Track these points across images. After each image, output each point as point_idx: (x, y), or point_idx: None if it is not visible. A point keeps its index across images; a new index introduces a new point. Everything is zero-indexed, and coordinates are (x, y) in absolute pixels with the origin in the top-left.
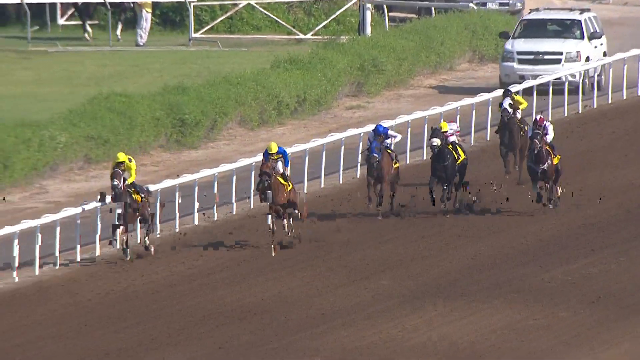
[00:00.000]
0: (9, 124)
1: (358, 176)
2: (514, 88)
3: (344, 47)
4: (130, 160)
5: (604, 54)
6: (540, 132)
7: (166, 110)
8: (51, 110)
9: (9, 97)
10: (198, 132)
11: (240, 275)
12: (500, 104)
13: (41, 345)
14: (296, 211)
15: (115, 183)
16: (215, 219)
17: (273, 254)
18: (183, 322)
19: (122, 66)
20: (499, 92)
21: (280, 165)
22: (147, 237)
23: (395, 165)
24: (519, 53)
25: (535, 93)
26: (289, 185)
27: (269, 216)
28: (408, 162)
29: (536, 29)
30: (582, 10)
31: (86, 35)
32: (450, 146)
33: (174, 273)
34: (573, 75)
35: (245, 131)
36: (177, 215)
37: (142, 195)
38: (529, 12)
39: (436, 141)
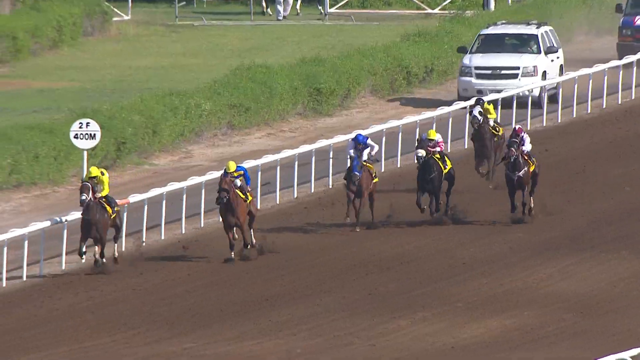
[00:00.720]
0: (159, 93)
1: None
2: (486, 98)
3: (469, 21)
4: (102, 174)
5: (561, 68)
6: (517, 141)
7: (303, 80)
8: (197, 81)
9: (159, 68)
10: (333, 101)
11: (384, 230)
12: (471, 112)
13: (207, 291)
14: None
15: (84, 197)
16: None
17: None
18: (334, 271)
19: (263, 39)
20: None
21: (237, 181)
22: (116, 247)
23: (375, 181)
24: (476, 68)
25: (500, 106)
26: (249, 198)
27: (228, 231)
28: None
29: (494, 43)
30: (539, 24)
31: (268, 10)
32: (438, 156)
33: (325, 229)
34: (530, 90)
35: (377, 99)
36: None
37: (112, 207)
38: (487, 26)
39: (421, 152)
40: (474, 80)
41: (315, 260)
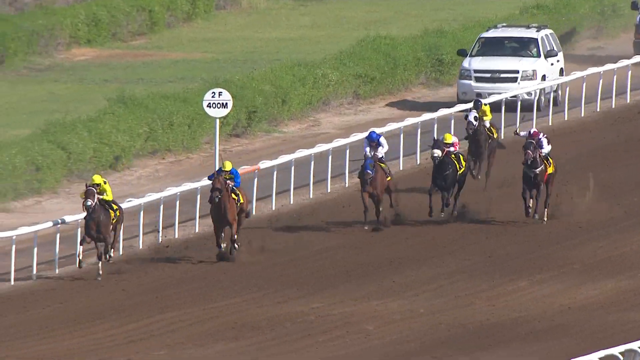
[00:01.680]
0: (288, 64)
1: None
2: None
3: None
4: (105, 183)
5: (561, 71)
6: (533, 142)
7: (426, 52)
8: (324, 52)
9: (288, 40)
10: (454, 71)
11: (503, 196)
12: (466, 117)
13: (334, 253)
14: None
15: (89, 203)
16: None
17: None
18: (455, 235)
19: (387, 12)
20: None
21: (229, 182)
22: (111, 250)
23: (388, 179)
24: (475, 71)
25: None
26: (241, 200)
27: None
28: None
29: (494, 46)
30: (539, 28)
31: None
32: (453, 156)
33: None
34: (529, 93)
35: None
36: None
37: (115, 211)
38: (487, 30)
39: (437, 152)
40: (473, 83)
41: (438, 224)
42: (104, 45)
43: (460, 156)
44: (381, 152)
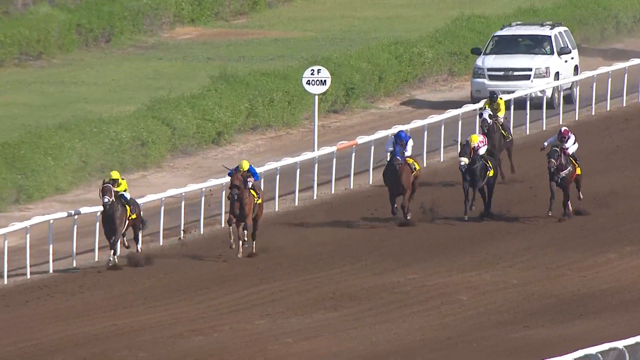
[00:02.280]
0: (385, 42)
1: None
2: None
3: None
4: (122, 179)
5: (575, 68)
6: (557, 150)
7: None
8: (419, 30)
9: (385, 18)
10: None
11: (595, 171)
12: (481, 114)
13: (430, 226)
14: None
15: (106, 200)
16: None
17: (239, 255)
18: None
19: None
20: None
21: (248, 180)
22: (139, 244)
23: (417, 170)
24: (489, 69)
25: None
26: (258, 199)
27: (232, 226)
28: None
29: (507, 44)
30: (553, 25)
31: None
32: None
33: (538, 170)
34: (542, 91)
35: (588, 48)
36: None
37: (131, 207)
38: (502, 28)
39: (464, 160)
40: (486, 81)
41: (530, 199)
42: (207, 24)
43: (489, 161)
44: (408, 150)
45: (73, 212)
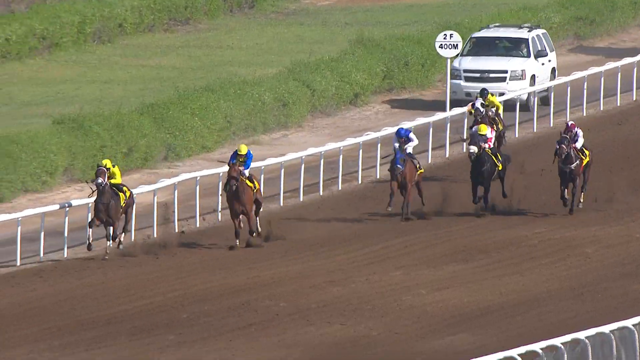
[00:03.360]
0: (514, 7)
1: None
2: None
3: None
4: (113, 166)
5: (553, 71)
6: (567, 137)
7: None
8: None
9: None
10: None
11: None
12: (473, 104)
13: (558, 184)
14: (257, 219)
15: (100, 181)
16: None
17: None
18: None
19: None
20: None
21: (247, 172)
22: (122, 235)
23: (419, 172)
24: (465, 71)
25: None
26: (256, 187)
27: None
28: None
29: (485, 46)
30: (531, 28)
31: None
32: (489, 151)
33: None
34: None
35: None
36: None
37: (126, 194)
38: (480, 29)
39: (473, 148)
40: (462, 83)
41: None
42: None
43: (497, 154)
44: (410, 146)
45: (219, 170)
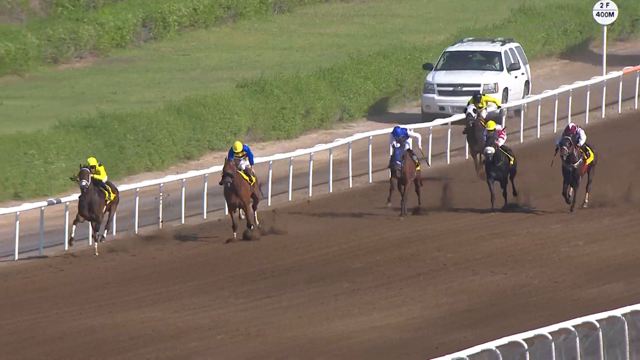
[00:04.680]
0: None
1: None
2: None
3: None
4: (99, 164)
5: (526, 84)
6: (569, 138)
7: None
8: None
9: None
10: None
11: None
12: (465, 109)
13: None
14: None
15: (84, 183)
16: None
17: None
18: None
19: None
20: None
21: (242, 162)
22: (105, 231)
23: (417, 168)
24: (439, 85)
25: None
26: (252, 181)
27: (232, 212)
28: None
29: (458, 60)
30: (504, 42)
31: None
32: (502, 149)
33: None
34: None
35: None
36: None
37: (109, 192)
38: (453, 44)
39: (491, 150)
40: (436, 97)
41: None
42: None
43: (509, 151)
44: (409, 144)
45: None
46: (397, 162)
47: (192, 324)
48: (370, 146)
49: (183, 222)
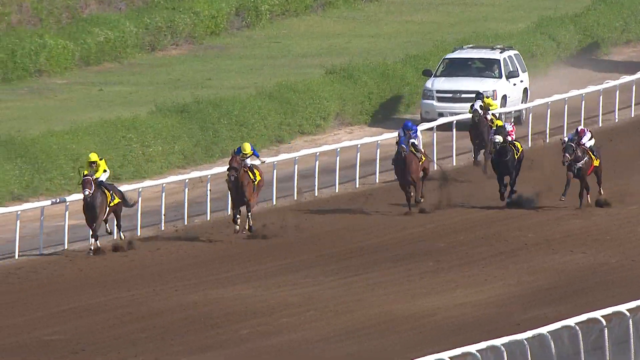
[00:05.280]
0: None
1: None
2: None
3: None
4: (100, 159)
5: (525, 91)
6: (572, 146)
7: None
8: None
9: None
10: None
11: None
12: (472, 106)
13: None
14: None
15: (87, 193)
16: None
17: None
18: None
19: None
20: None
21: (247, 160)
22: (120, 232)
23: (421, 162)
24: (438, 91)
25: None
26: (257, 178)
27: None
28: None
29: (458, 67)
30: (503, 49)
31: None
32: (510, 144)
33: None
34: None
35: None
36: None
37: (111, 192)
38: (453, 50)
39: (498, 138)
40: (435, 103)
41: None
42: None
43: (517, 143)
44: (418, 139)
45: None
46: (403, 145)
47: (283, 301)
48: (455, 129)
49: (274, 203)
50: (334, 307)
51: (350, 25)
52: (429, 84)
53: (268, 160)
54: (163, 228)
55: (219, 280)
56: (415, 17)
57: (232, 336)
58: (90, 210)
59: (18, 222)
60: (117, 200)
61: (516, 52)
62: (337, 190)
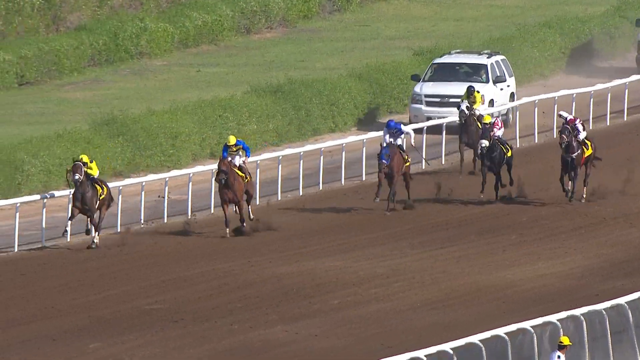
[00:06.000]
0: None
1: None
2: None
3: None
4: (91, 161)
5: (512, 96)
6: (568, 127)
7: None
8: None
9: None
10: None
11: None
12: (459, 106)
13: None
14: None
15: (77, 177)
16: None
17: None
18: None
19: None
20: None
21: (237, 158)
22: (96, 233)
23: (407, 165)
24: (426, 96)
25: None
26: (247, 178)
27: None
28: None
29: (446, 72)
30: (490, 54)
31: None
32: (498, 141)
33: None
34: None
35: None
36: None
37: (102, 188)
38: (441, 56)
39: (485, 142)
40: (423, 107)
41: None
42: None
43: (505, 143)
44: (400, 139)
45: (554, 94)
46: (383, 160)
47: (371, 273)
48: (537, 109)
49: (364, 178)
50: (420, 278)
51: (437, 9)
52: (417, 88)
53: (356, 138)
54: (258, 202)
55: (310, 252)
56: (499, 1)
57: (323, 306)
58: (82, 202)
59: (120, 196)
60: (106, 191)
61: (503, 57)
62: (423, 167)
